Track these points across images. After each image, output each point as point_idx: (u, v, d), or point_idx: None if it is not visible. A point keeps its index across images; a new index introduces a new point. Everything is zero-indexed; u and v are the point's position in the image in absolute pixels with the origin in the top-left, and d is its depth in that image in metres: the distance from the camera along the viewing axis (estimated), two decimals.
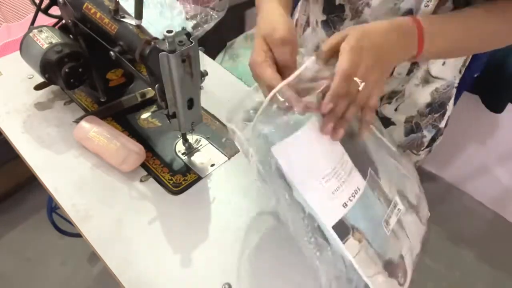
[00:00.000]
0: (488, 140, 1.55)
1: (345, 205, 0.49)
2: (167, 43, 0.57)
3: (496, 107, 1.34)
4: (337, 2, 0.64)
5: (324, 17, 0.67)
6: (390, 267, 0.51)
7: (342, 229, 0.48)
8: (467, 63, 0.70)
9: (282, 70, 0.49)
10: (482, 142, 1.57)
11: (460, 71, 0.70)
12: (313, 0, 0.69)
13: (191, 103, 0.65)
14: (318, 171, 0.49)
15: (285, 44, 0.49)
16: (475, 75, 1.17)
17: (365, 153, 0.52)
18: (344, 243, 0.48)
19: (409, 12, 0.58)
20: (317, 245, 0.49)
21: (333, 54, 0.48)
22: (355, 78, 0.45)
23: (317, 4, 0.68)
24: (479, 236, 1.56)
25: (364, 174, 0.50)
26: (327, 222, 0.48)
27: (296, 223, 0.50)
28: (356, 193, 0.49)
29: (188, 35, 0.60)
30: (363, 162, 0.51)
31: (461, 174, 1.70)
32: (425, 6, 0.57)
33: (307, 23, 0.74)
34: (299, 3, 0.76)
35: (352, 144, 0.51)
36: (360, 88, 0.45)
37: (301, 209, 0.49)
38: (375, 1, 0.59)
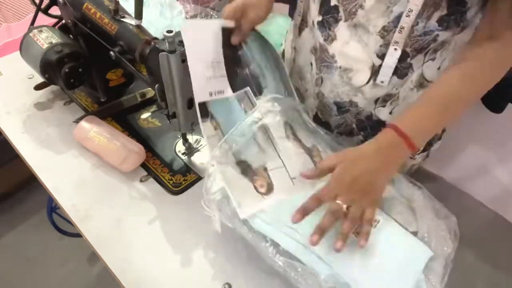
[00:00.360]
0: (488, 140, 1.54)
1: (211, 94, 0.62)
2: (167, 43, 0.57)
3: (496, 107, 1.34)
4: (332, 3, 0.64)
5: (320, 18, 0.67)
6: (246, 169, 0.60)
7: (205, 111, 0.61)
8: None
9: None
10: (482, 142, 1.56)
11: None
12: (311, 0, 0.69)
13: (191, 103, 0.65)
14: (207, 57, 0.62)
15: (250, 24, 0.65)
16: None
17: (256, 78, 0.66)
18: (202, 122, 0.60)
19: (401, 15, 0.58)
20: (288, 267, 0.55)
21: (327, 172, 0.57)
22: (338, 201, 0.53)
23: (314, 4, 0.68)
24: (479, 236, 1.56)
25: (234, 89, 0.64)
26: (197, 98, 0.60)
27: (264, 253, 0.56)
28: (220, 93, 0.63)
29: None
30: (242, 84, 0.65)
31: (461, 174, 1.70)
32: (406, 16, 0.57)
33: (305, 23, 0.74)
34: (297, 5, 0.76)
35: (239, 68, 0.66)
36: (345, 209, 0.53)
37: (263, 237, 0.57)
38: (368, 3, 0.60)
